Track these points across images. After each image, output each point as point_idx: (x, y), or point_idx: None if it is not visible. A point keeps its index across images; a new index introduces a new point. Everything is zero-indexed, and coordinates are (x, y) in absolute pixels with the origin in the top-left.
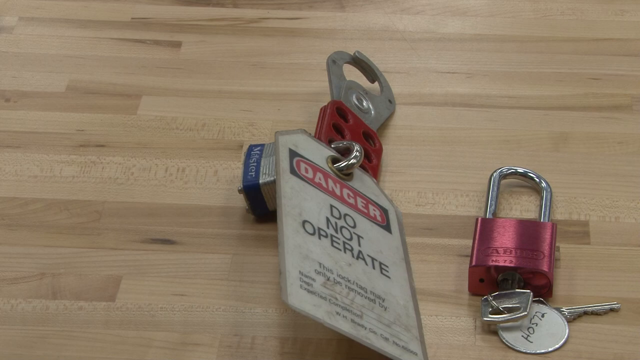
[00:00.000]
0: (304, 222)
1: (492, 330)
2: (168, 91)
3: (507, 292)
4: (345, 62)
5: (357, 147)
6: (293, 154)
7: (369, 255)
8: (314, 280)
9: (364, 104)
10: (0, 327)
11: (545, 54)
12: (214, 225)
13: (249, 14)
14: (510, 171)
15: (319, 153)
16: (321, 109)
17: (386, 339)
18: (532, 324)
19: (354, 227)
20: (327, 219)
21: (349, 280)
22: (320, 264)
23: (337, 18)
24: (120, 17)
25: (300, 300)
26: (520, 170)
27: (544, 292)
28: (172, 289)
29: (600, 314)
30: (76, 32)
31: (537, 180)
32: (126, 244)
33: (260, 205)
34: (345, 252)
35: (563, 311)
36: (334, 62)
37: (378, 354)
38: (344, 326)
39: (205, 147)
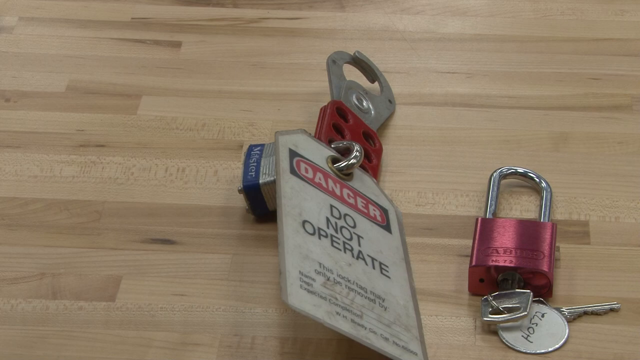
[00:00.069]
0: (304, 222)
1: (492, 330)
2: (168, 91)
3: (507, 292)
4: (345, 62)
5: (357, 147)
6: (293, 154)
7: (369, 255)
8: (314, 280)
9: (364, 104)
10: (0, 327)
11: (545, 54)
12: (214, 225)
13: (249, 14)
14: (510, 171)
15: (319, 153)
16: (321, 109)
17: (386, 339)
18: (532, 324)
19: (354, 227)
20: (327, 219)
21: (349, 280)
22: (320, 264)
23: (337, 18)
24: (120, 17)
25: (300, 300)
26: (520, 170)
27: (544, 292)
28: (172, 289)
29: (600, 314)
30: (76, 32)
31: (537, 180)
32: (126, 244)
33: (260, 205)
34: (345, 252)
35: (563, 311)
36: (334, 62)
37: (378, 354)
38: (344, 326)
39: (205, 147)
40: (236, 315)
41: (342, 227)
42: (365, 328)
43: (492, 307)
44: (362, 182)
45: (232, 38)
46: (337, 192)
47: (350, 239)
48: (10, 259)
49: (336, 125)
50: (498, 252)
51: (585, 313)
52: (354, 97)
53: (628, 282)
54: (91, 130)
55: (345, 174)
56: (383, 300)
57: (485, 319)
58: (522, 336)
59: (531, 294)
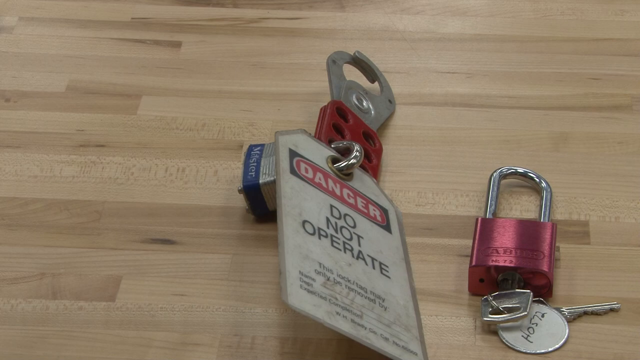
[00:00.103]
0: (304, 222)
1: (492, 330)
2: (168, 91)
3: (507, 292)
4: (345, 62)
5: (357, 147)
6: (293, 154)
7: (369, 255)
8: (314, 280)
9: (364, 104)
10: (0, 327)
11: (545, 54)
12: (214, 225)
13: (249, 14)
14: (510, 171)
15: (319, 153)
16: (321, 109)
17: (386, 339)
18: (532, 324)
19: (354, 227)
20: (327, 219)
21: (349, 280)
22: (320, 264)
23: (337, 18)
24: (120, 17)
25: (300, 300)
26: (520, 170)
27: (544, 292)
28: (172, 289)
29: (600, 314)
30: (76, 32)
31: (537, 180)
32: (126, 244)
33: (260, 205)
34: (345, 252)
35: (563, 311)
36: (334, 62)
37: (378, 354)
38: (344, 326)
39: (205, 147)
40: (236, 315)
41: (342, 227)
42: (365, 328)
43: (492, 307)
44: (362, 182)
45: (232, 38)
46: (337, 192)
47: (350, 239)
48: (10, 259)
49: (336, 125)
50: (498, 252)
51: (585, 313)
52: (354, 97)
53: (628, 282)
54: (91, 130)
55: (345, 174)
56: (383, 300)
57: (485, 319)
58: (522, 336)
59: (531, 294)
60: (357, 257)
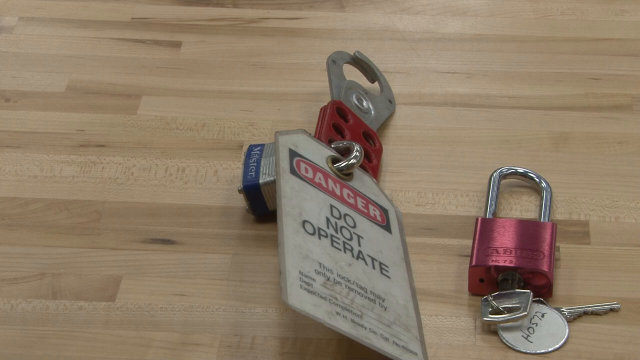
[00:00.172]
0: (304, 222)
1: (492, 330)
2: (168, 91)
3: (507, 292)
4: (345, 62)
5: (357, 147)
6: (293, 154)
7: (369, 255)
8: (314, 280)
9: (364, 104)
10: (0, 327)
11: (545, 54)
12: (214, 225)
13: (249, 14)
14: (510, 171)
15: (319, 153)
16: (321, 109)
17: (386, 339)
18: (532, 324)
19: (354, 227)
20: (327, 219)
21: (349, 280)
22: (320, 264)
23: (337, 18)
24: (120, 17)
25: (300, 300)
26: (520, 170)
27: (544, 292)
28: (172, 289)
29: (600, 314)
30: (76, 32)
31: (537, 180)
32: (126, 244)
33: (260, 205)
34: (345, 252)
35: (563, 311)
36: (334, 62)
37: (378, 354)
38: (344, 326)
39: (205, 147)
40: (236, 315)
41: (342, 227)
42: (365, 328)
43: (492, 307)
44: (362, 182)
45: (232, 38)
46: (337, 192)
47: (350, 239)
48: (10, 259)
49: (336, 125)
50: (498, 252)
51: (585, 313)
52: (354, 97)
53: (628, 282)
54: (91, 130)
55: (345, 174)
56: (383, 300)
57: (485, 319)
58: (522, 336)
59: (531, 294)
60: (357, 257)
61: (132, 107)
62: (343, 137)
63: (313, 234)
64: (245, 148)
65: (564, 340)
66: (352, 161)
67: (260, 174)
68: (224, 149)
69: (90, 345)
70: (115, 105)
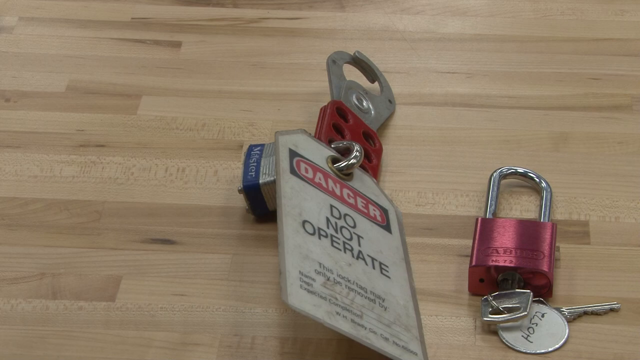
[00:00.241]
0: (304, 222)
1: (492, 330)
2: (168, 91)
3: (507, 292)
4: (345, 62)
5: (357, 147)
6: (293, 154)
7: (369, 255)
8: (314, 280)
9: (364, 104)
10: (0, 327)
11: (545, 54)
12: (214, 225)
13: (249, 14)
14: (510, 171)
15: (319, 153)
16: (321, 109)
17: (386, 339)
18: (532, 324)
19: (354, 227)
20: (327, 219)
21: (349, 280)
22: (320, 264)
23: (337, 18)
24: (120, 17)
25: (300, 300)
26: (520, 170)
27: (544, 292)
28: (172, 289)
29: (600, 314)
30: (76, 32)
31: (537, 180)
32: (126, 244)
33: (260, 205)
34: (345, 252)
35: (563, 311)
36: (334, 62)
37: (378, 354)
38: (344, 326)
39: (205, 147)
40: (236, 315)
41: (342, 227)
42: (365, 328)
43: (492, 307)
44: (362, 182)
45: (232, 38)
46: (337, 192)
47: (350, 239)
48: (10, 259)
49: (336, 125)
50: (498, 252)
51: (585, 313)
52: (354, 97)
53: (628, 282)
54: (91, 130)
55: (345, 174)
56: (383, 300)
57: (485, 319)
58: (522, 336)
59: (531, 294)
60: (357, 257)
61: (132, 107)
62: (343, 137)
63: (313, 234)
64: (245, 148)
65: (564, 340)
66: (352, 161)
67: (260, 174)
68: (224, 149)
69: (90, 345)
70: (115, 105)
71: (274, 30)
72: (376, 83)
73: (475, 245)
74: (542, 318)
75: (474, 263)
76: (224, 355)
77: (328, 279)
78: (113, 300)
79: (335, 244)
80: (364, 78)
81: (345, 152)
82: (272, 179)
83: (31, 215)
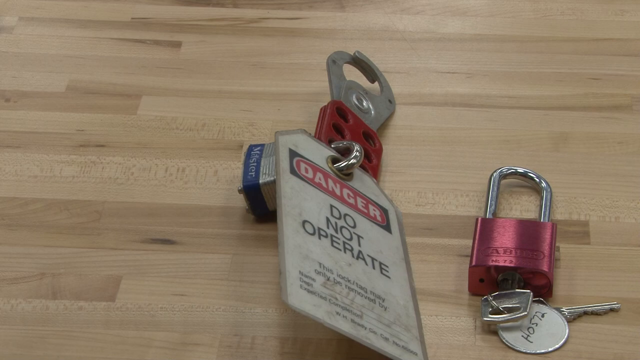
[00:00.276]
0: (304, 222)
1: (492, 330)
2: (168, 91)
3: (507, 292)
4: (345, 62)
5: (357, 147)
6: (293, 154)
7: (369, 255)
8: (314, 280)
9: (364, 104)
10: (0, 327)
11: (545, 54)
12: (214, 225)
13: (249, 14)
14: (510, 171)
15: (319, 153)
16: (321, 109)
17: (386, 339)
18: (532, 324)
19: (354, 227)
20: (327, 219)
21: (349, 280)
22: (320, 264)
23: (337, 18)
24: (120, 17)
25: (300, 300)
26: (520, 170)
27: (544, 292)
28: (172, 289)
29: (600, 314)
30: (76, 32)
31: (537, 180)
32: (126, 244)
33: (260, 205)
34: (345, 252)
35: (563, 311)
36: (334, 62)
37: (378, 354)
38: (344, 326)
39: (205, 147)
40: (236, 315)
41: (342, 227)
42: (365, 328)
43: (492, 307)
44: (362, 182)
45: (232, 38)
46: (337, 192)
47: (350, 239)
48: (10, 259)
49: (336, 125)
50: (498, 252)
51: (585, 313)
52: (354, 97)
53: (628, 282)
54: (91, 130)
55: (345, 174)
56: (383, 300)
57: (485, 319)
58: (522, 336)
59: (531, 294)
60: (357, 257)
61: (132, 107)
62: (343, 137)
63: (313, 234)
64: (245, 148)
65: (564, 340)
66: (352, 161)
67: (260, 174)
68: (224, 149)
69: (90, 345)
70: (115, 105)
71: (274, 30)
72: (376, 83)
73: (475, 245)
74: (542, 318)
75: (474, 263)
76: (224, 355)
77: (328, 279)
78: (113, 300)
79: (335, 244)
80: (364, 78)
81: (345, 152)
82: (272, 179)
83: (31, 215)
